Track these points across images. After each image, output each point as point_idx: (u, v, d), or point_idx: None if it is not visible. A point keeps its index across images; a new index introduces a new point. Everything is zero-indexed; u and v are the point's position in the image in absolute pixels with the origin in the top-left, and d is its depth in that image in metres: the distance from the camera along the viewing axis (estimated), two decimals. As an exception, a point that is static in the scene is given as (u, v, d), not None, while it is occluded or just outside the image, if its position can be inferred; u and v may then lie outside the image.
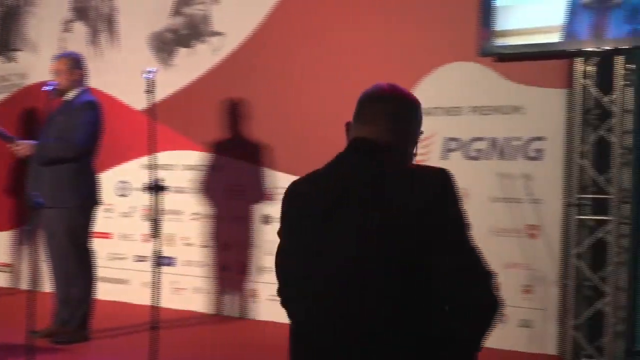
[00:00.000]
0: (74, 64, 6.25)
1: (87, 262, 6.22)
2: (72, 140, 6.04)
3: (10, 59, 8.95)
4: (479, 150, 6.30)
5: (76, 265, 6.15)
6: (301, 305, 2.30)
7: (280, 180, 7.03)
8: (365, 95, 2.43)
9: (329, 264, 2.18)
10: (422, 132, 2.45)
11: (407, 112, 2.40)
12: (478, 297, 2.10)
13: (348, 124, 2.43)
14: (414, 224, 2.10)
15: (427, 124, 6.48)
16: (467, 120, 6.35)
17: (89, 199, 6.21)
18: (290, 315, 2.42)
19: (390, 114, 2.33)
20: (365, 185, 2.19)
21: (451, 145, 6.41)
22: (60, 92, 6.14)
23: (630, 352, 5.59)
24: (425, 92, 6.51)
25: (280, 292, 2.51)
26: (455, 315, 2.10)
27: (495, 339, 2.79)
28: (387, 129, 2.30)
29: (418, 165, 2.32)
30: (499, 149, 6.20)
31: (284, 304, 2.47)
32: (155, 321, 4.91)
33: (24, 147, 6.13)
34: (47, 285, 6.88)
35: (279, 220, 2.50)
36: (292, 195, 2.39)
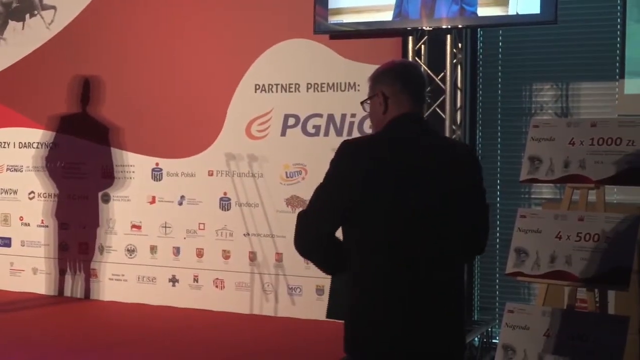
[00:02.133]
0: None
1: None
2: None
3: None
4: (316, 127, 6.45)
5: None
6: (381, 248, 2.65)
7: (124, 159, 6.87)
8: (405, 73, 2.99)
9: (408, 210, 2.65)
10: None
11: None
12: (480, 237, 2.84)
13: (383, 95, 2.89)
14: (461, 182, 2.72)
15: (266, 101, 6.59)
16: (305, 97, 6.49)
17: None
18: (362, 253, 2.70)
19: (424, 94, 2.97)
20: (433, 152, 2.75)
21: (290, 121, 6.53)
22: None
23: (468, 323, 5.85)
24: (262, 69, 6.60)
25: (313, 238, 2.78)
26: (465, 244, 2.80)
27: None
28: (422, 105, 2.95)
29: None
30: (336, 125, 6.38)
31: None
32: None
33: None
34: None
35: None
36: (362, 155, 2.82)
